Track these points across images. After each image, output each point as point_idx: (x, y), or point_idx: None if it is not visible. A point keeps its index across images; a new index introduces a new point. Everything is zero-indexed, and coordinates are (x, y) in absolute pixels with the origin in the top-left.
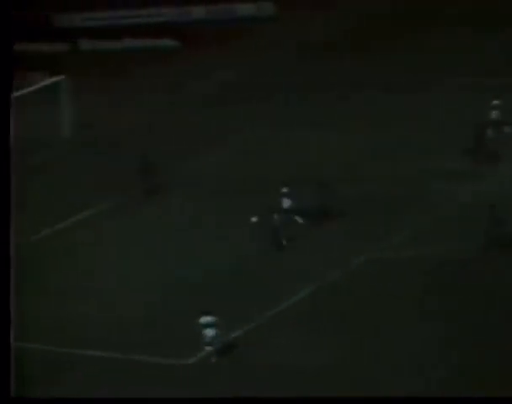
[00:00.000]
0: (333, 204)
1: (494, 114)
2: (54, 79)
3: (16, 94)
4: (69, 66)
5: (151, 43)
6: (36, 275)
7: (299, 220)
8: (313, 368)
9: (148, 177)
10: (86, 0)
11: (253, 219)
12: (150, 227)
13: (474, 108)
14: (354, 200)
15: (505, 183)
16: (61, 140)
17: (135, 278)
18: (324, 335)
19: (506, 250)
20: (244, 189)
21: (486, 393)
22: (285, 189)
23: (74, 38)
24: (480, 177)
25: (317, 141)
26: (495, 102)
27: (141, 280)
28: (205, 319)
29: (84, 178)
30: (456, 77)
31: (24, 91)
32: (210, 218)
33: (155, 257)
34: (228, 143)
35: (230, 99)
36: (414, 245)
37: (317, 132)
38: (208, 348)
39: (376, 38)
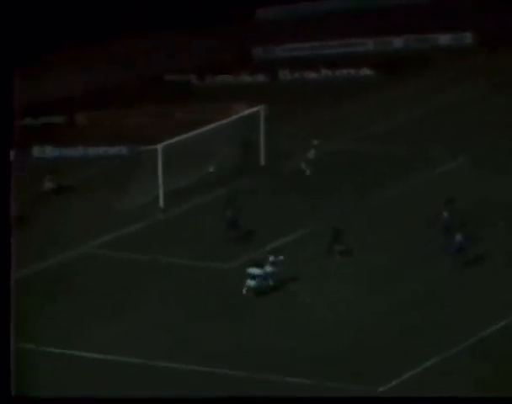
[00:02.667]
0: None
1: None
2: (254, 109)
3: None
4: (268, 96)
5: (348, 73)
6: None
7: None
8: None
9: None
10: (285, 32)
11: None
12: None
13: None
14: None
15: None
16: (258, 167)
17: None
18: None
19: None
20: None
21: None
22: None
23: (274, 68)
24: None
25: None
26: None
27: None
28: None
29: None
30: None
31: (226, 121)
32: None
33: None
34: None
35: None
36: None
37: None
38: None
39: None
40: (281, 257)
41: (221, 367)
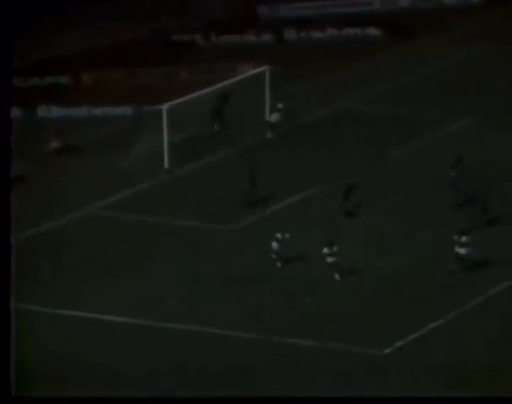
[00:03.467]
0: None
1: None
2: (260, 69)
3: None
4: (274, 56)
5: (355, 33)
6: None
7: None
8: None
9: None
10: None
11: None
12: None
13: None
14: None
15: None
16: (263, 125)
17: None
18: None
19: None
20: None
21: None
22: None
23: (280, 28)
24: None
25: None
26: None
27: None
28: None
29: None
30: None
31: (232, 80)
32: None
33: None
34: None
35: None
36: None
37: None
38: None
39: None
40: (287, 235)
41: (225, 329)
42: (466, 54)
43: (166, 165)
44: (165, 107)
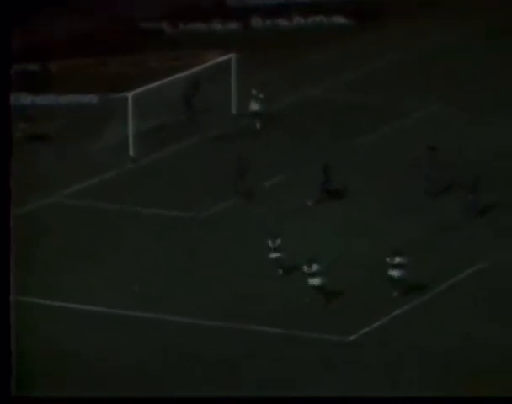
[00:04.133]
0: None
1: None
2: (225, 57)
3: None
4: (241, 45)
5: (322, 21)
6: None
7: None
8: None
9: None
10: None
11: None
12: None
13: None
14: None
15: None
16: (230, 115)
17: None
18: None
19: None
20: None
21: None
22: None
23: (246, 17)
24: None
25: None
26: None
27: None
28: (395, 259)
29: None
30: None
31: (198, 68)
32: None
33: None
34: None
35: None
36: None
37: None
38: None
39: None
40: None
41: (194, 317)
42: (433, 40)
43: (131, 153)
44: (130, 94)
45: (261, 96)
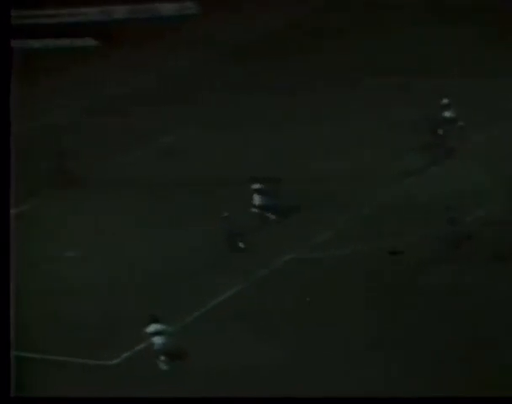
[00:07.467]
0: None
1: (446, 113)
2: None
3: None
4: None
5: (71, 43)
6: None
7: (271, 216)
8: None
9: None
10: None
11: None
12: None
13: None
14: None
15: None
16: None
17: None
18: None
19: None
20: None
21: None
22: (256, 186)
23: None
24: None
25: (247, 141)
26: (445, 101)
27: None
28: (153, 327)
29: None
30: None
31: None
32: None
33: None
34: (158, 143)
35: (151, 101)
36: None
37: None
38: (160, 358)
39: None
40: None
41: None
42: (174, 64)
43: None
44: None
45: None
